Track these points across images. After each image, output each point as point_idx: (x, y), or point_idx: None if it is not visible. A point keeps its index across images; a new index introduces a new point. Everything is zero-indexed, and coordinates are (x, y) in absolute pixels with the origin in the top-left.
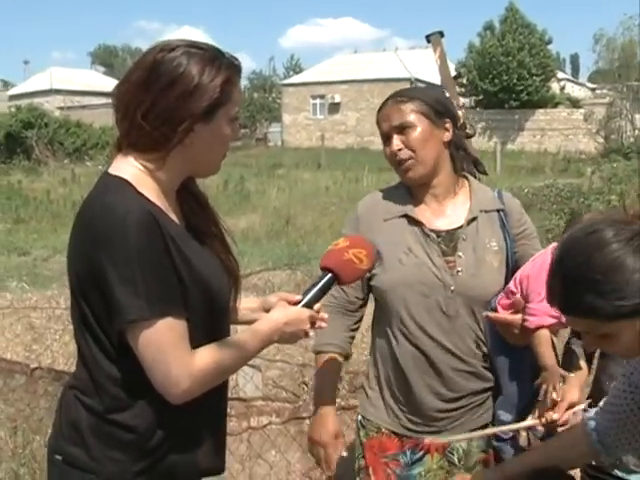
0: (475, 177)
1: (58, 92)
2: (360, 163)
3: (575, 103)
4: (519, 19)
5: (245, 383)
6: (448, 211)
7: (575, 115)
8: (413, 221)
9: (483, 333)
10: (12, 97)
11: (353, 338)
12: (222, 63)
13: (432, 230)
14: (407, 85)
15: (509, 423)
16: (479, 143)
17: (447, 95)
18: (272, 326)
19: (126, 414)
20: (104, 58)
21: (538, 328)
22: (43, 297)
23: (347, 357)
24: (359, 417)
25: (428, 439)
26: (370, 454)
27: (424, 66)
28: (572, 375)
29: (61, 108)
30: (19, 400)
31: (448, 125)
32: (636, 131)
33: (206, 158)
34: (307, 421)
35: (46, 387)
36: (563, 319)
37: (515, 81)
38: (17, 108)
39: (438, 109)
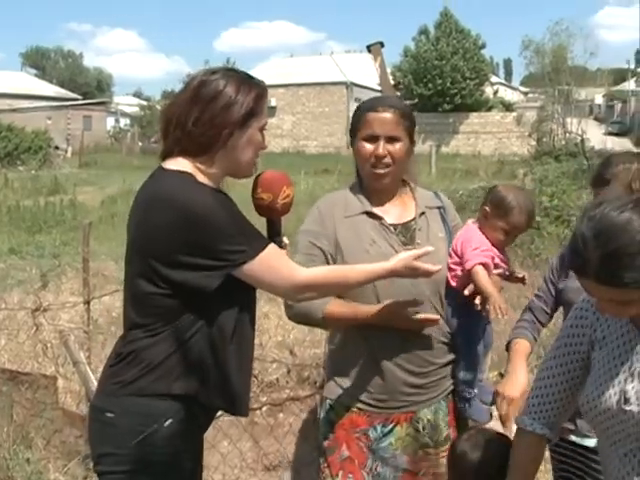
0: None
1: None
2: (296, 167)
3: (508, 107)
4: (453, 24)
5: None
6: (399, 209)
7: (508, 118)
8: (373, 216)
9: (444, 310)
10: None
11: None
12: (253, 83)
13: (390, 224)
14: (343, 89)
15: (470, 381)
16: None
17: None
18: (387, 268)
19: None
20: (35, 60)
21: (473, 266)
22: None
23: None
24: (327, 401)
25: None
26: (341, 431)
27: (360, 70)
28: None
29: None
30: None
31: (414, 143)
32: (567, 134)
33: (242, 159)
34: (258, 412)
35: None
36: (492, 264)
37: (449, 85)
38: None
39: (414, 129)
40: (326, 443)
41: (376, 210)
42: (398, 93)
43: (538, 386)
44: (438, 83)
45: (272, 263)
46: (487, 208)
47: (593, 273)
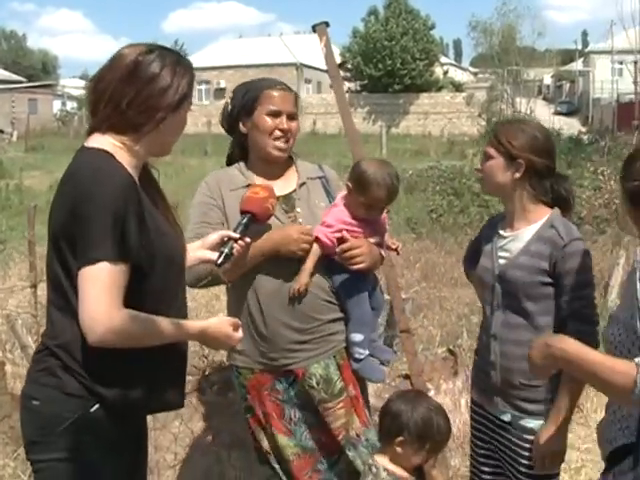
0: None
1: None
2: None
3: (458, 87)
4: (402, 4)
5: None
6: (282, 182)
7: (458, 99)
8: None
9: (327, 270)
10: None
11: None
12: (186, 65)
13: None
14: (293, 70)
15: (360, 342)
16: (364, 127)
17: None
18: (198, 326)
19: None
20: None
21: (316, 239)
22: None
23: None
24: (234, 368)
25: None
26: (253, 391)
27: (309, 51)
28: None
29: None
30: None
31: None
32: (516, 114)
33: (169, 141)
34: (208, 391)
35: None
36: (328, 242)
37: (399, 66)
38: None
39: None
40: (246, 404)
41: (258, 182)
42: (346, 73)
43: None
44: (388, 64)
45: (97, 281)
46: (349, 184)
47: None
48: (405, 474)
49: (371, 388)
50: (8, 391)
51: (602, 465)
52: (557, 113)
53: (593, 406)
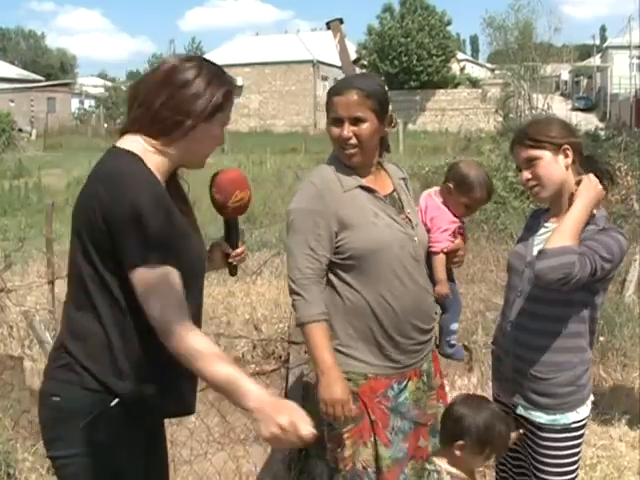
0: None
1: None
2: (263, 146)
3: (475, 83)
4: (418, 1)
5: None
6: (379, 180)
7: (475, 95)
8: (368, 190)
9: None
10: None
11: None
12: (224, 78)
13: (383, 195)
14: (310, 67)
15: (456, 330)
16: None
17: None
18: (258, 396)
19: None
20: None
21: (441, 251)
22: None
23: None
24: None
25: None
26: (365, 398)
27: (326, 48)
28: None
29: None
30: None
31: (387, 122)
32: (533, 110)
33: (199, 152)
34: None
35: None
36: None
37: (415, 62)
38: None
39: (385, 109)
40: (354, 413)
41: (368, 184)
42: (358, 69)
43: None
44: (404, 60)
45: (157, 287)
46: (451, 185)
47: None
48: (465, 477)
49: None
50: (27, 386)
51: (618, 462)
52: (574, 109)
53: (609, 402)
